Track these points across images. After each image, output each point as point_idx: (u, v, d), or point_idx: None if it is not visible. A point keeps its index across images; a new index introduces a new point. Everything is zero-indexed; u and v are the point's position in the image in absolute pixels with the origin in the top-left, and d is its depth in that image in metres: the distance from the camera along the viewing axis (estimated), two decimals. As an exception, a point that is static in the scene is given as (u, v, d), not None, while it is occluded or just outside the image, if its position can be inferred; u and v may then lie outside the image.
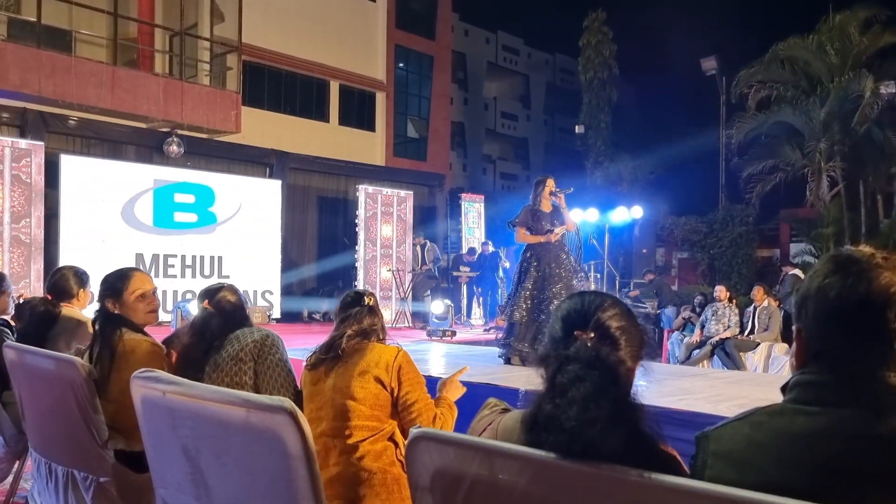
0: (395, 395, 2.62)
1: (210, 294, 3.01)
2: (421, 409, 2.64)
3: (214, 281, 3.23)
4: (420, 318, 13.69)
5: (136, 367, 2.78)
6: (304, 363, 2.80)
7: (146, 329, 3.17)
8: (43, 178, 10.64)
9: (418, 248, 14.32)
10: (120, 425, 2.79)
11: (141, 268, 11.64)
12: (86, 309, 3.92)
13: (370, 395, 2.58)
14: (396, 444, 2.62)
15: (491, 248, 15.02)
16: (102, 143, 12.71)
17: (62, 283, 3.88)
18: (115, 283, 3.14)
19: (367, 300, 2.87)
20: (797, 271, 12.02)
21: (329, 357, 2.70)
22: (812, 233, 18.32)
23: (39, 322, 3.70)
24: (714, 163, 22.35)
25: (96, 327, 3.09)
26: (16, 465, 3.65)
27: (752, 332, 9.74)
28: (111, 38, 13.04)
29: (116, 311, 3.10)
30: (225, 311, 2.98)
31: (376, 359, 2.64)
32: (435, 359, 7.10)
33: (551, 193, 6.49)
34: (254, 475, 1.84)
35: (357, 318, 2.77)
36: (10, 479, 3.67)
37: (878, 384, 1.18)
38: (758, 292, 9.99)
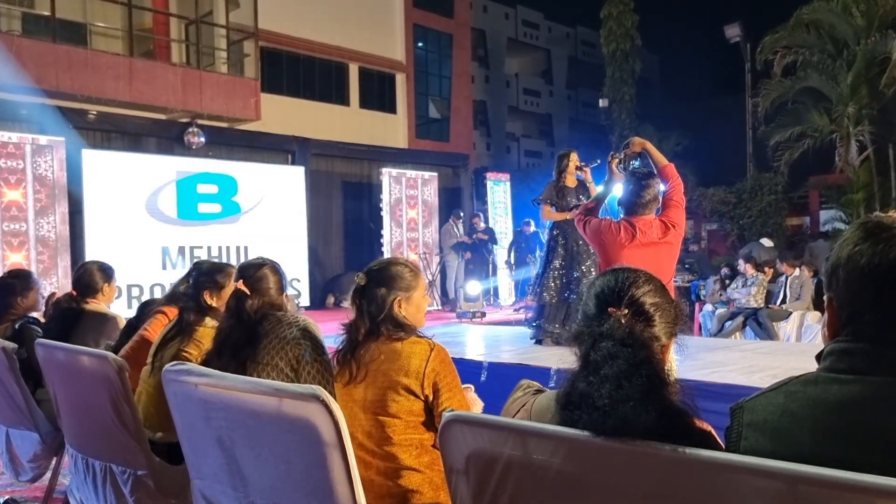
0: (430, 403, 2.36)
1: (247, 272, 2.68)
2: None
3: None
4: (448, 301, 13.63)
5: None
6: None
7: None
8: (65, 174, 10.61)
9: (453, 227, 14.12)
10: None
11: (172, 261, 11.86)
12: (112, 304, 3.94)
13: (403, 409, 2.34)
14: None
15: (532, 228, 14.37)
16: (123, 136, 12.69)
17: (87, 278, 3.90)
18: (216, 277, 3.14)
19: (357, 279, 2.50)
20: None
21: (354, 362, 2.41)
22: (842, 199, 18.05)
23: (62, 318, 3.74)
24: (741, 132, 22.05)
25: (181, 315, 3.09)
26: (53, 461, 3.68)
27: (783, 301, 9.65)
28: (126, 29, 13.03)
29: (214, 304, 3.10)
30: (262, 293, 2.65)
31: (405, 366, 2.34)
32: (468, 341, 7.08)
33: (577, 168, 6.35)
34: (289, 463, 1.86)
35: (361, 307, 2.45)
36: (48, 475, 3.71)
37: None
38: (784, 265, 9.93)
